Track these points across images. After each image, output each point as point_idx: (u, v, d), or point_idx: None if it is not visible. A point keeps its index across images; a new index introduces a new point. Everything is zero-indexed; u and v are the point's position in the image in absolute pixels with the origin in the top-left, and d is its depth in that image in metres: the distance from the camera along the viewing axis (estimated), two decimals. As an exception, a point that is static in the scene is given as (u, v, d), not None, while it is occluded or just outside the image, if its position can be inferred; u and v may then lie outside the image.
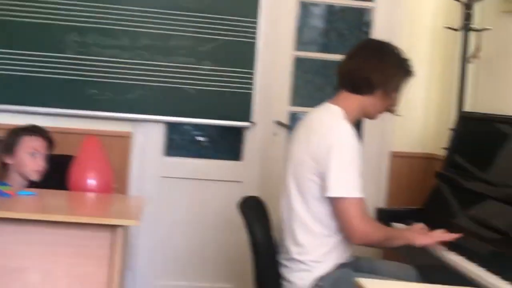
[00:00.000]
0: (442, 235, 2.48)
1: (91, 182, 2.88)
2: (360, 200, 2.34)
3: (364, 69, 2.45)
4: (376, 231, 2.39)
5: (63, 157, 3.12)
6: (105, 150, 3.03)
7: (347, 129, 2.37)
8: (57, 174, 3.03)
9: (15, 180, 3.06)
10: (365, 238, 2.38)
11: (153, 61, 3.72)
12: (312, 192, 2.38)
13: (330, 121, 2.41)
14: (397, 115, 2.63)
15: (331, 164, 2.31)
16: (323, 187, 2.34)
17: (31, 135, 3.09)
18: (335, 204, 2.36)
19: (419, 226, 2.60)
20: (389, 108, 2.54)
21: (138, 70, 3.70)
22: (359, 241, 2.41)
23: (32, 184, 3.02)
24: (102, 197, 2.83)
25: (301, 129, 2.50)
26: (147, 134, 3.87)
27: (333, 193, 2.32)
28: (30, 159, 3.06)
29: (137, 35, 3.67)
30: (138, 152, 3.86)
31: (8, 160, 3.08)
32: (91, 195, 2.84)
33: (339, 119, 2.41)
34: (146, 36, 3.70)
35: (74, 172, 2.91)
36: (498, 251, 2.36)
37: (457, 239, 2.46)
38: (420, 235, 2.50)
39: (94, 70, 3.64)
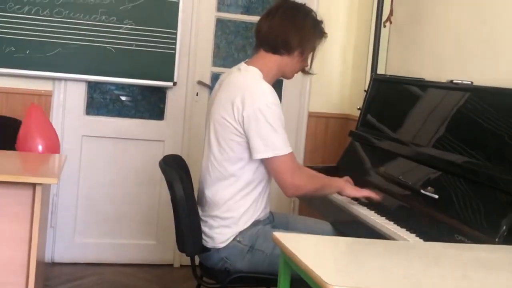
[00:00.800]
0: (369, 192, 2.54)
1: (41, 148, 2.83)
2: (289, 156, 2.38)
3: (283, 30, 2.46)
4: (307, 183, 2.44)
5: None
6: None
7: (268, 89, 2.39)
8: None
9: None
10: (297, 190, 2.45)
11: (73, 19, 3.62)
12: (234, 152, 2.39)
13: (250, 82, 2.42)
14: (311, 74, 2.67)
15: (257, 126, 2.33)
16: (250, 148, 2.36)
17: None
18: (266, 164, 2.39)
19: (345, 178, 2.67)
20: (304, 68, 2.58)
21: (57, 28, 3.59)
22: (292, 194, 2.49)
23: None
24: (23, 155, 2.76)
25: (222, 90, 2.49)
26: (67, 93, 3.78)
27: (262, 154, 2.35)
28: None
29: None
30: (59, 111, 3.77)
31: None
32: (10, 153, 2.76)
33: (259, 80, 2.42)
34: (66, -7, 3.59)
35: (23, 141, 2.85)
36: (406, 206, 2.46)
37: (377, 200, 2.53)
38: (350, 186, 2.55)
39: (12, 27, 3.52)
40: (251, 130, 2.33)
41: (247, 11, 4.23)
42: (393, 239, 2.19)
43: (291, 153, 2.39)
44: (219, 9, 4.04)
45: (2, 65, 3.53)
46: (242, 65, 2.51)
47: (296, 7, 2.53)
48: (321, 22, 2.54)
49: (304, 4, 2.58)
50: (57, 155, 3.09)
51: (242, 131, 2.35)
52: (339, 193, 2.56)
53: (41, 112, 3.16)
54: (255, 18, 4.09)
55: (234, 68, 2.55)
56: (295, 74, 2.59)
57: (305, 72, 2.61)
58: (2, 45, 3.52)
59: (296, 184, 2.40)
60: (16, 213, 2.29)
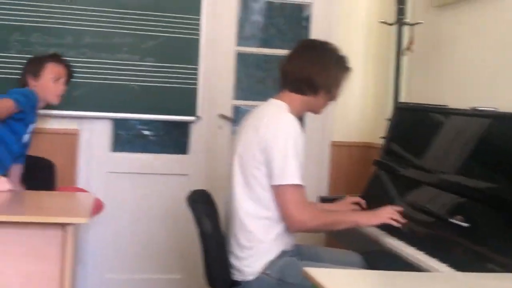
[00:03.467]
0: (387, 215, 2.47)
1: None
2: (298, 188, 2.35)
3: (306, 71, 2.46)
4: (314, 219, 2.37)
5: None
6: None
7: (290, 119, 2.39)
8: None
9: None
10: (300, 226, 2.37)
11: (97, 59, 3.66)
12: (258, 181, 2.38)
13: (274, 113, 2.43)
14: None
15: (273, 152, 2.33)
16: (269, 176, 2.35)
17: (55, 62, 3.25)
18: (274, 191, 2.37)
19: (352, 199, 2.62)
20: (332, 101, 2.58)
21: (82, 68, 3.63)
22: (294, 229, 2.42)
23: None
24: (51, 195, 2.76)
25: (247, 122, 2.51)
26: (93, 131, 3.81)
27: (273, 181, 2.34)
28: (54, 84, 3.20)
29: (80, 33, 3.61)
30: (85, 148, 3.79)
31: (32, 83, 3.18)
32: (39, 193, 2.77)
33: (282, 111, 2.43)
34: (89, 34, 3.63)
35: None
36: (436, 235, 2.42)
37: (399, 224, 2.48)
38: (366, 216, 2.48)
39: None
40: (269, 157, 2.33)
41: (267, 44, 4.25)
42: (425, 270, 2.15)
43: (301, 186, 2.36)
44: (239, 43, 4.06)
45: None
46: (270, 100, 2.52)
47: (317, 46, 2.54)
48: (344, 56, 2.54)
49: (326, 41, 2.58)
50: (85, 193, 3.10)
51: (263, 159, 2.35)
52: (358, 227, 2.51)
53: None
54: (274, 51, 4.14)
55: (262, 103, 2.56)
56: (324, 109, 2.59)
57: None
58: (29, 87, 3.56)
59: (298, 219, 2.34)
60: (47, 253, 2.29)
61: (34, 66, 3.22)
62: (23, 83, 3.22)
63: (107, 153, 3.86)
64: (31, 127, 3.17)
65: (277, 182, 2.33)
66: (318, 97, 2.49)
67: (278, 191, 2.36)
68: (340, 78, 2.52)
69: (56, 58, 3.28)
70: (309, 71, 2.45)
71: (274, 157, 2.33)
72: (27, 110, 3.05)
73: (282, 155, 2.32)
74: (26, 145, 3.19)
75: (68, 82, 3.31)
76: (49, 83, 3.19)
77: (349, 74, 2.55)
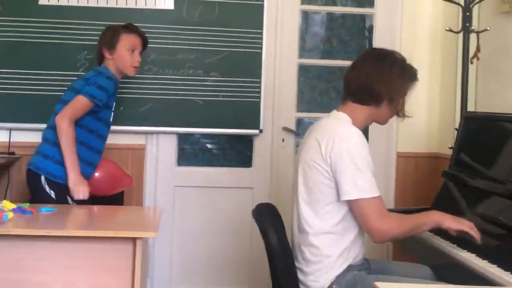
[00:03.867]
0: (470, 226, 2.38)
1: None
2: (377, 199, 2.32)
3: (370, 81, 2.41)
4: (395, 228, 2.32)
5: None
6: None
7: (356, 132, 2.35)
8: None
9: (114, 72, 3.14)
10: (385, 236, 2.34)
11: (162, 75, 3.73)
12: (323, 195, 2.36)
13: (338, 126, 2.40)
14: (406, 117, 2.57)
15: (344, 167, 2.29)
16: (338, 190, 2.32)
17: (130, 32, 3.17)
18: (352, 206, 2.33)
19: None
20: (397, 113, 2.52)
21: (148, 84, 3.71)
22: (381, 240, 2.37)
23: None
24: (120, 209, 2.82)
25: (309, 136, 2.49)
26: (159, 146, 3.87)
27: (349, 196, 2.30)
28: (129, 55, 3.14)
29: (146, 50, 3.67)
30: (152, 163, 3.86)
31: (108, 55, 3.15)
32: (109, 209, 2.83)
33: (347, 124, 2.40)
34: (154, 51, 3.70)
35: None
36: (507, 246, 2.34)
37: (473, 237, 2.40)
38: (450, 217, 2.39)
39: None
40: (338, 171, 2.30)
41: (329, 55, 4.23)
42: (498, 283, 2.08)
43: (379, 197, 2.32)
44: (300, 55, 4.06)
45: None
46: (333, 112, 2.50)
47: (381, 56, 2.48)
48: (409, 66, 2.49)
49: (392, 50, 2.53)
50: (153, 207, 3.15)
51: (330, 173, 2.32)
52: (438, 227, 2.43)
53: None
54: (336, 63, 4.12)
55: (324, 116, 2.54)
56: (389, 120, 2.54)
57: (399, 115, 2.55)
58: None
59: (383, 229, 2.30)
60: (117, 267, 2.33)
61: (109, 38, 3.15)
62: (100, 56, 3.19)
63: (173, 167, 3.92)
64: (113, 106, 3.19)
65: (352, 196, 2.30)
66: (381, 107, 2.44)
67: (355, 206, 2.32)
68: (404, 88, 2.46)
69: (130, 28, 3.20)
70: (371, 80, 2.41)
71: (342, 171, 2.30)
72: (106, 101, 3.06)
73: (352, 169, 2.29)
74: (109, 126, 3.23)
75: (142, 52, 3.25)
76: (125, 55, 3.14)
77: (414, 84, 2.49)
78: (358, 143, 2.32)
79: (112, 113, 3.20)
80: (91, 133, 3.08)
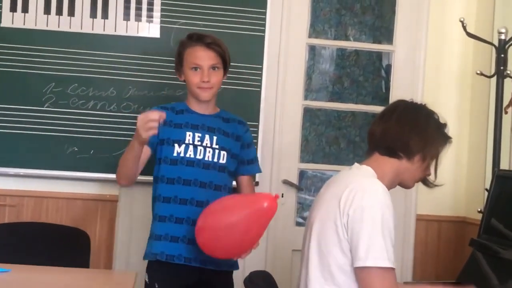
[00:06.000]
0: None
1: None
2: (386, 271, 2.30)
3: (402, 132, 2.46)
4: None
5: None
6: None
7: (382, 188, 2.36)
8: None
9: (190, 101, 3.07)
10: None
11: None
12: (338, 262, 2.34)
13: (362, 179, 2.41)
14: (436, 185, 2.61)
15: (360, 227, 2.27)
16: (353, 256, 2.31)
17: (192, 46, 3.01)
18: (358, 273, 2.32)
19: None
20: (425, 176, 2.55)
21: (125, 124, 3.66)
22: None
23: None
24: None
25: (327, 189, 2.49)
26: (134, 197, 3.83)
27: (357, 263, 2.29)
28: (193, 74, 2.99)
29: (124, 85, 3.68)
30: (125, 219, 3.81)
31: (181, 78, 3.08)
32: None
33: (372, 178, 2.41)
34: (134, 86, 3.70)
35: None
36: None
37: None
38: None
39: (76, 125, 3.65)
40: (354, 232, 2.29)
41: (340, 98, 4.26)
42: None
43: (391, 269, 2.31)
44: (306, 97, 4.08)
45: (63, 168, 3.64)
46: (354, 165, 2.52)
47: (416, 107, 2.56)
48: (444, 125, 2.54)
49: (424, 104, 2.59)
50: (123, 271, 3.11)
51: (346, 233, 2.31)
52: None
53: None
54: (348, 106, 4.15)
55: (346, 168, 2.56)
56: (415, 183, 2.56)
57: (427, 183, 2.58)
58: (64, 145, 3.63)
59: None
60: None
61: (176, 58, 3.06)
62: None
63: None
64: (188, 137, 3.01)
65: (361, 263, 2.28)
66: (412, 163, 2.47)
67: (361, 274, 2.30)
68: (438, 146, 2.51)
69: (191, 40, 3.03)
70: (405, 131, 2.46)
71: (360, 234, 2.28)
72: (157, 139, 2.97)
73: (369, 232, 2.28)
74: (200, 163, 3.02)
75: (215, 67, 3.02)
76: (188, 75, 3.01)
77: (448, 145, 2.54)
78: (382, 201, 2.32)
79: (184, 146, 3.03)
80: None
